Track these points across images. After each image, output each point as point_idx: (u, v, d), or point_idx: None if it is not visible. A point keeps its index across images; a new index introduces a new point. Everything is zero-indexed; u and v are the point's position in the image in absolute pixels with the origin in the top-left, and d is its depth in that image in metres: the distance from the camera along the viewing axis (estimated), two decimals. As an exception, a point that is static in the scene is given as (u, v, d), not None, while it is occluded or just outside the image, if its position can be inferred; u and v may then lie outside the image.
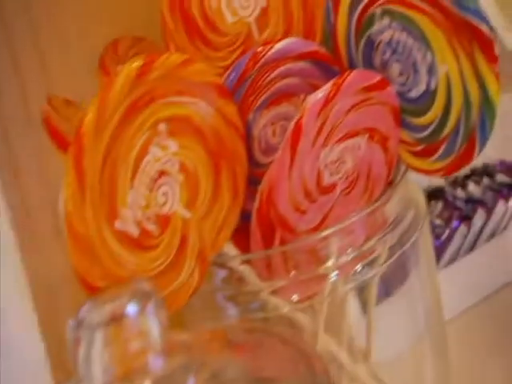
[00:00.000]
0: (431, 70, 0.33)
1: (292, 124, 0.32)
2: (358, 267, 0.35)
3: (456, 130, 0.33)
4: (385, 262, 0.35)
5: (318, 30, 0.37)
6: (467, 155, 0.33)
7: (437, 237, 0.56)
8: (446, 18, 0.32)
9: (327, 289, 0.35)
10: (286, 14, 0.37)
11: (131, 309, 0.25)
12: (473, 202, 0.58)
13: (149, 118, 0.32)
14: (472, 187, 0.61)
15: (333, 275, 0.35)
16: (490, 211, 0.58)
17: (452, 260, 0.56)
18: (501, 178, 0.61)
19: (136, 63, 0.31)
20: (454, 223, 0.57)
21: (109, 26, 0.45)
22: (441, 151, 0.34)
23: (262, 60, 0.34)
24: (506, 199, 0.58)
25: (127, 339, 0.25)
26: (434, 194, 0.60)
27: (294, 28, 0.37)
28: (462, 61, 0.32)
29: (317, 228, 0.35)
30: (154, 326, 0.25)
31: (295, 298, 0.35)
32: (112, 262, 0.32)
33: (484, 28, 0.31)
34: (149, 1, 0.37)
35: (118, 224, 0.32)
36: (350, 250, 0.35)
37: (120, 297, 0.25)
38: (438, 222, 0.58)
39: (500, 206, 0.58)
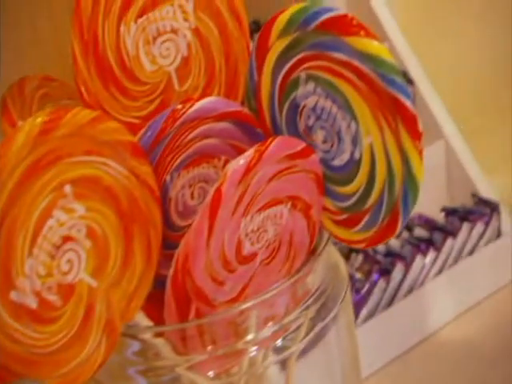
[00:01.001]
0: (355, 140, 0.29)
1: (212, 191, 0.28)
2: (279, 342, 0.30)
3: (380, 202, 0.30)
4: (306, 335, 0.31)
5: (241, 85, 0.33)
6: (390, 228, 0.30)
7: (357, 291, 0.52)
8: (371, 89, 0.28)
9: (245, 364, 0.30)
10: (208, 66, 0.33)
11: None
12: (392, 255, 0.55)
13: (53, 179, 0.27)
14: (392, 240, 0.57)
15: (252, 350, 0.30)
16: (408, 266, 0.54)
17: (370, 315, 0.52)
18: (419, 231, 0.57)
19: (39, 119, 0.27)
20: (374, 277, 0.53)
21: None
22: (364, 222, 0.30)
23: (182, 118, 0.30)
24: (424, 254, 0.55)
25: None
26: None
27: (216, 80, 0.33)
28: (386, 134, 0.29)
29: (236, 299, 0.30)
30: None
31: (212, 373, 0.30)
32: (4, 337, 0.27)
33: (408, 104, 0.28)
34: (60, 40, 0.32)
35: (13, 295, 0.26)
36: (270, 324, 0.30)
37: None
38: (358, 275, 0.53)
39: (418, 261, 0.54)
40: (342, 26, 0.29)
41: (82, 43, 0.30)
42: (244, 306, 0.29)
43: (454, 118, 0.62)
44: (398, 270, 0.54)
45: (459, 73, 0.69)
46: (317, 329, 0.31)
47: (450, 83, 0.66)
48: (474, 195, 0.60)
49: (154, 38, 0.31)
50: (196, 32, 0.32)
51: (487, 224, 0.58)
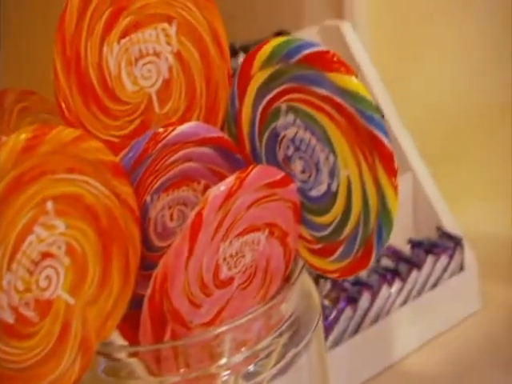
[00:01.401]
0: (333, 172, 0.30)
1: (192, 215, 0.28)
2: (251, 367, 0.30)
3: (355, 234, 0.30)
4: (278, 361, 0.31)
5: (221, 110, 0.33)
6: (364, 260, 0.30)
7: (324, 318, 0.52)
8: (349, 124, 0.29)
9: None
10: (189, 89, 0.33)
11: None
12: (359, 284, 0.55)
13: (35, 195, 0.27)
14: (359, 269, 0.57)
15: (224, 374, 0.30)
16: (374, 295, 0.54)
17: (336, 343, 0.52)
18: (385, 262, 0.58)
19: (24, 135, 0.27)
20: (341, 304, 0.53)
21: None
22: (338, 252, 0.31)
23: (163, 141, 0.30)
24: (390, 284, 0.55)
25: None
26: (322, 274, 0.56)
27: (196, 104, 0.33)
28: (363, 169, 0.29)
29: (211, 322, 0.30)
30: None
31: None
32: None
33: (385, 141, 0.28)
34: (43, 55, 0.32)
35: (-11, 310, 0.26)
36: (243, 349, 0.30)
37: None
38: (326, 302, 0.53)
39: (384, 291, 0.55)
40: (324, 61, 0.29)
41: (64, 60, 0.30)
42: (219, 330, 0.29)
43: (421, 152, 0.63)
44: (364, 299, 0.54)
45: (428, 106, 0.70)
46: (289, 356, 0.31)
47: (418, 116, 0.67)
48: (439, 228, 0.61)
49: (136, 60, 0.31)
50: (178, 56, 0.32)
51: (451, 257, 0.59)
